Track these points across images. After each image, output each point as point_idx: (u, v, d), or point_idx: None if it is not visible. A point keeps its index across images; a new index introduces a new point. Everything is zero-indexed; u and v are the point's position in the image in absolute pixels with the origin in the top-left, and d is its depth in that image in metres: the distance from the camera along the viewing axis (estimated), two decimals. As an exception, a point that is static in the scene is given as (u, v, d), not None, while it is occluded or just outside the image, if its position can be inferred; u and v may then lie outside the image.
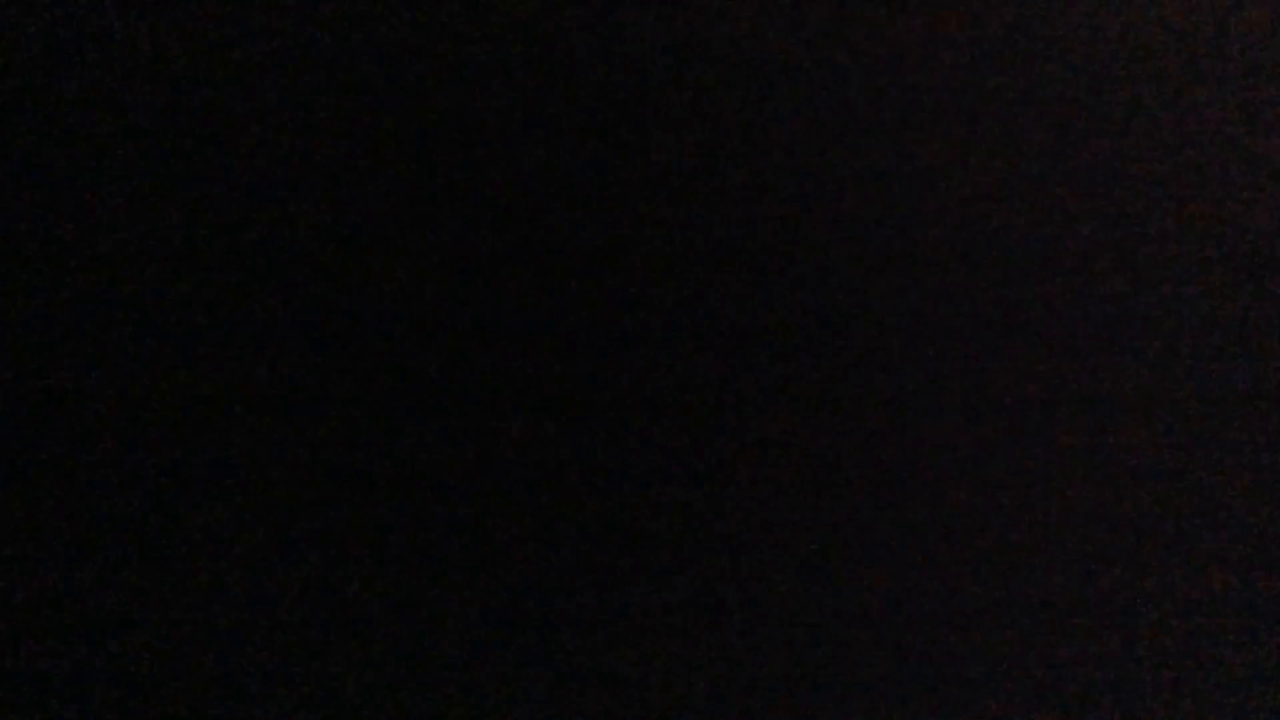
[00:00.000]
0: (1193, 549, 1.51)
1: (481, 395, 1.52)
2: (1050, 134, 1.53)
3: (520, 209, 1.52)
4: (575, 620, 1.50)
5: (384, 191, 1.53)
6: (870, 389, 1.52)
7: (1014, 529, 1.51)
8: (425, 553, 1.51)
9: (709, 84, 1.53)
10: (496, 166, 1.53)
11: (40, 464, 1.51)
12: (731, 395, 1.52)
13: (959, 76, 1.53)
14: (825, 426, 1.51)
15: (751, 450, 1.51)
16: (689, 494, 1.51)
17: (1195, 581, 1.51)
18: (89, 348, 1.52)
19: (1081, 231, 1.53)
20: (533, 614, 1.51)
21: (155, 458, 1.51)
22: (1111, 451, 1.51)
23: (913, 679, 1.50)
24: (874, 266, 1.52)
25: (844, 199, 1.53)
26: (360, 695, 1.50)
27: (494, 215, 1.52)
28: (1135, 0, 1.54)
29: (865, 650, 1.50)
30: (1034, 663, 1.50)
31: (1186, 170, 1.53)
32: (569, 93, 1.53)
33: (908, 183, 1.53)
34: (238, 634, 1.50)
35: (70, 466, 1.51)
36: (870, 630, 1.50)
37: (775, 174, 1.53)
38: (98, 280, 1.52)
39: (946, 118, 1.53)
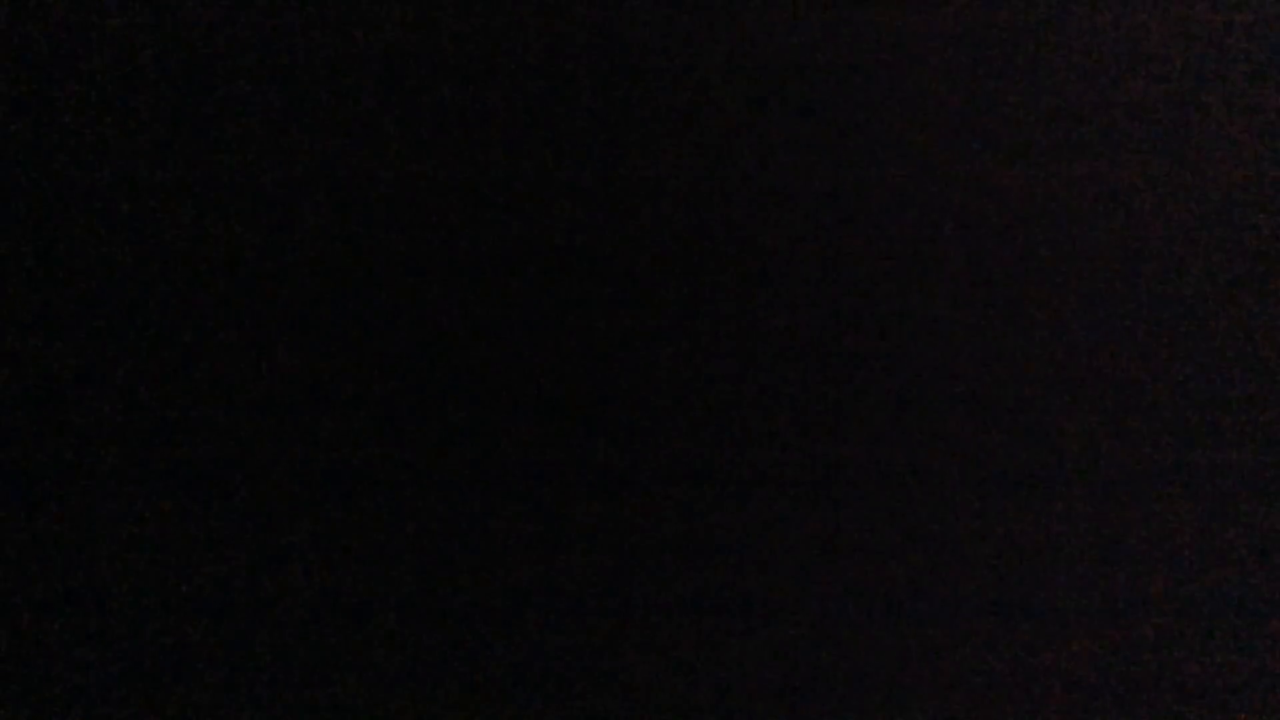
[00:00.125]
0: (1193, 548, 1.51)
1: (481, 395, 1.52)
2: (1051, 133, 1.53)
3: (520, 208, 1.53)
4: (575, 620, 1.51)
5: (384, 191, 1.53)
6: (870, 388, 1.52)
7: (1014, 528, 1.51)
8: (425, 552, 1.51)
9: (709, 83, 1.54)
10: (497, 166, 1.53)
11: (40, 464, 1.51)
12: (732, 395, 1.52)
13: (959, 76, 1.54)
14: (825, 426, 1.52)
15: (751, 450, 1.51)
16: (689, 494, 1.51)
17: (1195, 581, 1.51)
18: (89, 347, 1.52)
19: (1082, 231, 1.53)
20: (533, 614, 1.51)
21: (155, 457, 1.51)
22: (1112, 451, 1.51)
23: (913, 678, 1.50)
24: (874, 265, 1.53)
25: (844, 198, 1.53)
26: (360, 695, 1.50)
27: (494, 214, 1.53)
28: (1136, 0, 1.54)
29: (865, 649, 1.51)
30: (1034, 662, 1.50)
31: (1187, 170, 1.53)
32: (569, 92, 1.53)
33: (907, 182, 1.53)
34: (237, 633, 1.50)
35: (70, 466, 1.51)
36: (870, 629, 1.51)
37: (776, 173, 1.53)
38: (98, 280, 1.52)
39: (946, 117, 1.53)
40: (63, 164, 1.52)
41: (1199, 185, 1.53)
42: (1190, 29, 1.54)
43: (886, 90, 1.54)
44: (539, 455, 1.51)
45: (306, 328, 1.52)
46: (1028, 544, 1.51)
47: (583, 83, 1.53)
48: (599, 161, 1.53)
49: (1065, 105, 1.53)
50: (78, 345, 1.51)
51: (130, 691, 1.50)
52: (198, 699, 1.50)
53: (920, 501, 1.51)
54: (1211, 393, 1.52)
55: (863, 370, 1.52)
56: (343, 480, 1.51)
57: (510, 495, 1.51)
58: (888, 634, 1.50)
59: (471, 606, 1.51)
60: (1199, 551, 1.51)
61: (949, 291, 1.52)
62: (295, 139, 1.53)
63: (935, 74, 1.53)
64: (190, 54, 1.53)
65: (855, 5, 1.53)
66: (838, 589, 1.51)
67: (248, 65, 1.53)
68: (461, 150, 1.53)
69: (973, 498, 1.51)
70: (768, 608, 1.51)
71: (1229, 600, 1.51)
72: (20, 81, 1.52)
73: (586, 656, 1.50)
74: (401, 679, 1.50)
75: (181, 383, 1.52)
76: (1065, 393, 1.52)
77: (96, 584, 1.50)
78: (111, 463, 1.51)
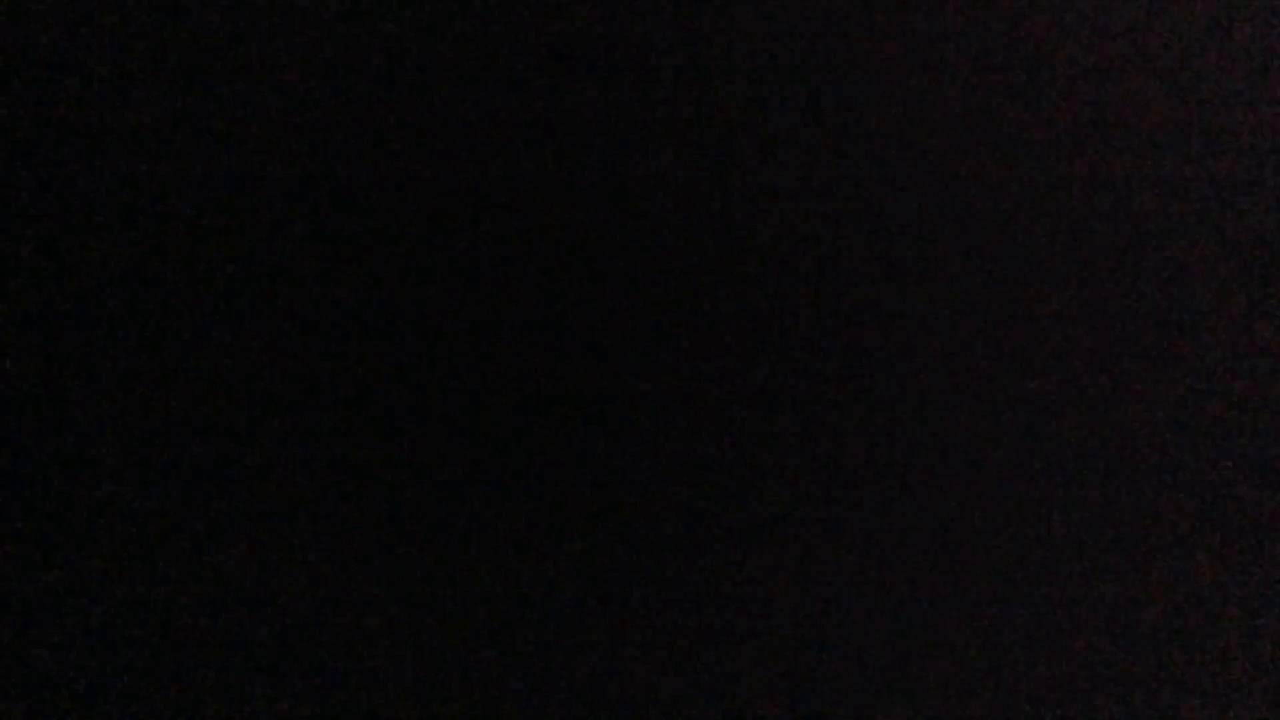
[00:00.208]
0: (1193, 548, 1.51)
1: (481, 394, 1.52)
2: (1051, 133, 1.54)
3: (520, 208, 1.53)
4: (575, 620, 1.51)
5: (383, 191, 1.53)
6: (870, 388, 1.52)
7: (1014, 527, 1.51)
8: (425, 552, 1.51)
9: (709, 82, 1.54)
10: (496, 165, 1.53)
11: (40, 463, 1.51)
12: (731, 395, 1.52)
13: (960, 75, 1.54)
14: (825, 425, 1.52)
15: (751, 450, 1.51)
16: (688, 494, 1.51)
17: (1196, 581, 1.51)
18: (89, 347, 1.52)
19: (1082, 231, 1.53)
20: (533, 613, 1.51)
21: (155, 457, 1.51)
22: (1112, 450, 1.51)
23: (913, 678, 1.50)
24: (874, 265, 1.53)
25: (845, 197, 1.53)
26: (360, 695, 1.51)
27: (494, 214, 1.53)
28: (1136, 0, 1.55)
29: (865, 649, 1.51)
30: (1034, 661, 1.50)
31: (1187, 170, 1.54)
32: (569, 91, 1.53)
33: (907, 181, 1.53)
34: (238, 633, 1.50)
35: (71, 466, 1.51)
36: (870, 630, 1.51)
37: (776, 171, 1.53)
38: (97, 280, 1.52)
39: (947, 116, 1.54)
40: (63, 164, 1.53)
41: (1200, 183, 1.53)
42: (1190, 26, 1.54)
43: (886, 88, 1.54)
44: (539, 455, 1.51)
45: (306, 327, 1.52)
46: (1027, 543, 1.51)
47: (583, 82, 1.53)
48: (599, 161, 1.53)
49: (1065, 103, 1.54)
50: (78, 345, 1.51)
51: (130, 690, 1.50)
52: (198, 699, 1.50)
53: (920, 500, 1.51)
54: (1212, 393, 1.52)
55: (863, 370, 1.52)
56: (343, 480, 1.51)
57: (510, 495, 1.51)
58: (888, 633, 1.50)
59: (471, 606, 1.51)
60: (1199, 551, 1.51)
61: (949, 290, 1.52)
62: (295, 139, 1.53)
63: (935, 72, 1.54)
64: (190, 54, 1.53)
65: (855, 4, 1.54)
66: (838, 588, 1.51)
67: (248, 64, 1.53)
68: (462, 150, 1.53)
69: (973, 496, 1.51)
70: (768, 607, 1.51)
71: (1229, 600, 1.51)
72: (20, 81, 1.52)
73: (586, 656, 1.50)
74: (402, 679, 1.50)
75: (181, 382, 1.52)
76: (1065, 391, 1.52)
77: (97, 584, 1.51)
78: (112, 462, 1.51)
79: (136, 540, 1.51)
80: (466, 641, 1.51)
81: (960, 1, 1.54)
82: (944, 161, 1.53)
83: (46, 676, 1.50)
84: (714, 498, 1.51)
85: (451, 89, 1.53)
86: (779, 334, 1.52)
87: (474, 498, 1.51)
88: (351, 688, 1.51)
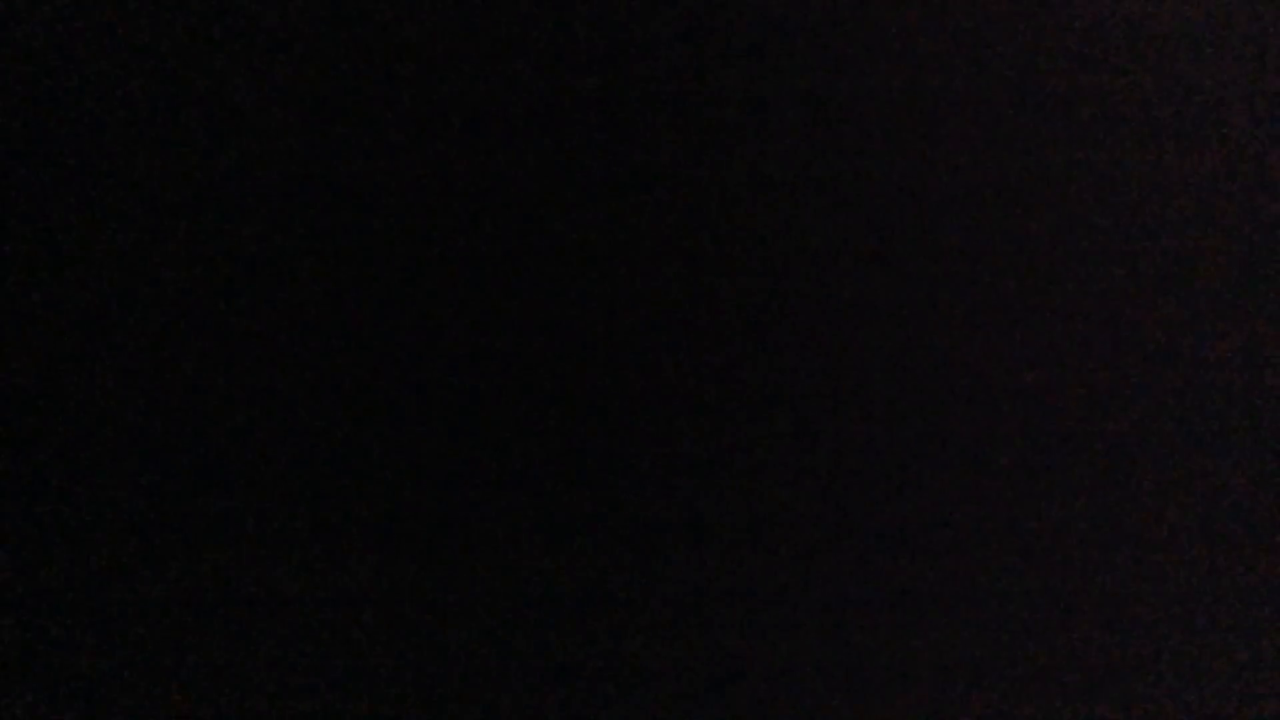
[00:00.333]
0: (1193, 548, 1.51)
1: (481, 394, 1.52)
2: (1051, 132, 1.53)
3: (520, 208, 1.53)
4: (575, 619, 1.51)
5: (384, 190, 1.53)
6: (870, 388, 1.52)
7: (1014, 527, 1.51)
8: (424, 552, 1.51)
9: (709, 81, 1.54)
10: (496, 165, 1.53)
11: (40, 463, 1.51)
12: (731, 394, 1.52)
13: (960, 74, 1.54)
14: (826, 425, 1.52)
15: (751, 449, 1.51)
16: (689, 491, 1.51)
17: (1195, 580, 1.51)
18: (89, 347, 1.52)
19: (1082, 230, 1.53)
20: (532, 612, 1.51)
21: (155, 457, 1.51)
22: (1112, 450, 1.51)
23: (913, 678, 1.50)
24: (875, 264, 1.53)
25: (845, 197, 1.53)
26: (360, 695, 1.50)
27: (494, 214, 1.53)
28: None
29: (865, 649, 1.50)
30: (1034, 661, 1.50)
31: (1187, 169, 1.53)
32: (570, 91, 1.53)
33: (907, 181, 1.53)
34: (237, 633, 1.50)
35: (70, 465, 1.51)
36: (870, 629, 1.50)
37: (776, 170, 1.53)
38: (97, 280, 1.52)
39: (946, 116, 1.53)
40: (63, 164, 1.53)
41: (1200, 181, 1.53)
42: (1191, 25, 1.54)
43: (886, 87, 1.54)
44: (539, 453, 1.51)
45: (306, 327, 1.52)
46: (1028, 542, 1.51)
47: (583, 81, 1.53)
48: (600, 160, 1.53)
49: (1065, 100, 1.53)
50: (78, 345, 1.51)
51: (129, 690, 1.50)
52: (198, 699, 1.50)
53: (920, 499, 1.51)
54: (1212, 392, 1.52)
55: (863, 369, 1.52)
56: (342, 478, 1.51)
57: (510, 494, 1.51)
58: (888, 632, 1.50)
59: (471, 606, 1.51)
60: (1199, 550, 1.51)
61: (949, 288, 1.52)
62: (295, 139, 1.53)
63: (935, 70, 1.53)
64: (190, 54, 1.53)
65: (856, 2, 1.54)
66: (838, 586, 1.51)
67: (247, 64, 1.53)
68: (462, 150, 1.53)
69: (973, 495, 1.51)
70: (768, 606, 1.51)
71: (1229, 599, 1.50)
72: (20, 81, 1.52)
73: (586, 655, 1.50)
74: (401, 679, 1.50)
75: (181, 382, 1.52)
76: (1065, 391, 1.52)
77: (96, 584, 1.51)
78: (111, 462, 1.51)
79: (136, 540, 1.51)
80: (466, 641, 1.51)
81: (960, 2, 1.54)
82: (943, 157, 1.53)
83: (46, 676, 1.50)
84: (714, 498, 1.51)
85: (450, 86, 1.53)
86: (779, 334, 1.52)
87: (474, 497, 1.51)
88: (352, 688, 1.50)
